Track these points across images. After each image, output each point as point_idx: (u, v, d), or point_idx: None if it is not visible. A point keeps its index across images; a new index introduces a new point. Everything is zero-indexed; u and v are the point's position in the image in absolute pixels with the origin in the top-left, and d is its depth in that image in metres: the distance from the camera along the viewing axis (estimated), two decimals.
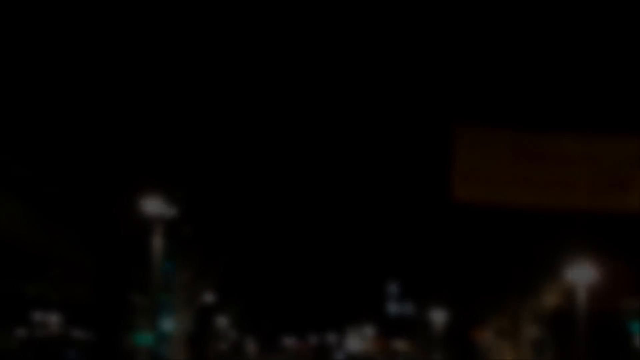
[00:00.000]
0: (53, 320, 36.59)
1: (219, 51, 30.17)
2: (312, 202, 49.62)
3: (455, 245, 54.82)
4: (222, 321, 71.22)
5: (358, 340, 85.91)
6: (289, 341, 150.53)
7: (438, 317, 61.02)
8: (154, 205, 28.86)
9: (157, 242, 29.32)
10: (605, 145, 14.07)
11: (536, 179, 13.77)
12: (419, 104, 36.94)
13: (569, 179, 13.84)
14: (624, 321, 42.19)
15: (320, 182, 47.36)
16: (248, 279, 50.70)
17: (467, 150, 13.81)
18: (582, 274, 34.23)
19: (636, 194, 14.02)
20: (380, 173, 53.60)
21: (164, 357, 44.21)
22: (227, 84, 31.25)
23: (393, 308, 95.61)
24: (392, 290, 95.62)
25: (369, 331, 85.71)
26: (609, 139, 14.23)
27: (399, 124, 42.09)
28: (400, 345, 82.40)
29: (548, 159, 13.87)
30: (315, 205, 52.82)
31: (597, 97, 25.88)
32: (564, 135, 14.26)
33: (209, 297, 51.16)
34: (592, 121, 20.04)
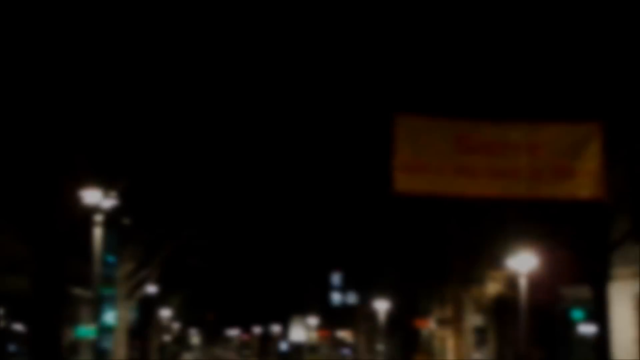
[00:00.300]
0: None
1: (159, 41, 29.80)
2: (254, 193, 49.34)
3: (397, 235, 55.00)
4: (165, 313, 70.84)
5: (302, 330, 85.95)
6: (233, 332, 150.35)
7: (381, 306, 61.24)
8: (93, 196, 28.52)
9: (97, 234, 28.98)
10: (546, 133, 14.14)
11: (479, 168, 13.78)
12: (357, 95, 36.89)
13: (511, 168, 13.90)
14: (565, 309, 42.75)
15: (263, 174, 47.14)
16: (191, 270, 50.36)
17: (408, 139, 13.76)
18: (523, 263, 34.60)
19: (577, 181, 14.13)
20: (322, 164, 53.46)
21: (107, 350, 43.81)
22: (166, 71, 30.87)
23: (336, 298, 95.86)
24: (336, 281, 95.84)
25: (313, 321, 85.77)
26: (550, 126, 14.32)
27: (338, 115, 41.98)
28: (344, 335, 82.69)
29: (490, 148, 13.89)
30: (258, 197, 52.48)
31: (537, 84, 26.06)
32: (506, 123, 14.31)
33: (151, 289, 50.80)
34: (533, 109, 20.13)
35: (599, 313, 31.10)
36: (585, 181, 14.25)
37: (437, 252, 47.73)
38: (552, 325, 42.99)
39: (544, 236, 34.66)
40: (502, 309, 48.00)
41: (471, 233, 42.76)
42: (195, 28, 31.20)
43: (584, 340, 41.70)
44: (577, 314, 42.14)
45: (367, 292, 70.16)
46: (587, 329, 41.48)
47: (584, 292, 39.42)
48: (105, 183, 28.90)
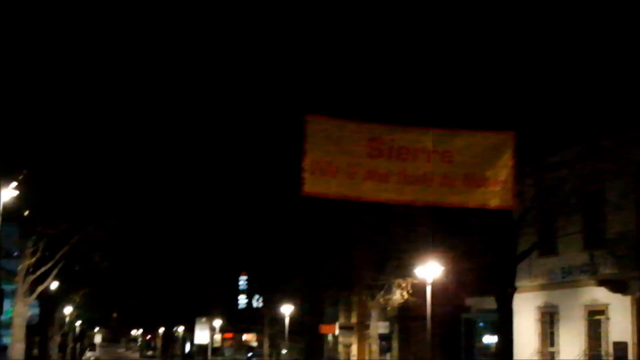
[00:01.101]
0: None
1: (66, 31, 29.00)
2: (162, 191, 48.53)
3: (304, 239, 54.68)
4: (67, 310, 69.38)
5: (207, 332, 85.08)
6: (137, 332, 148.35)
7: (286, 311, 60.94)
8: None
9: None
10: (458, 140, 14.01)
11: (390, 173, 13.56)
12: (268, 95, 36.52)
13: (423, 174, 13.72)
14: (470, 319, 43.12)
15: (171, 173, 46.43)
16: (94, 268, 49.21)
17: (319, 141, 13.45)
18: (430, 271, 34.65)
19: (488, 190, 14.03)
20: (231, 166, 52.92)
21: (7, 346, 42.58)
22: (65, 59, 30.02)
23: (243, 301, 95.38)
24: (243, 284, 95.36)
25: (218, 324, 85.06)
26: (462, 134, 14.18)
27: (247, 117, 41.57)
28: (249, 337, 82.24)
29: (402, 154, 13.67)
30: (166, 196, 51.67)
31: (452, 91, 26.13)
32: (419, 129, 14.10)
33: (52, 285, 49.56)
34: (446, 117, 20.04)
35: (503, 324, 31.29)
36: (495, 190, 14.15)
37: (344, 259, 47.53)
38: (456, 334, 43.28)
39: (451, 246, 34.79)
40: (407, 317, 48.22)
41: (378, 240, 42.71)
42: (109, 20, 30.51)
43: (487, 350, 42.13)
44: (480, 324, 42.58)
45: (273, 296, 69.81)
46: (491, 339, 41.91)
47: (488, 302, 39.83)
48: (3, 174, 27.98)
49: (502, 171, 14.14)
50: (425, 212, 34.05)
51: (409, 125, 14.24)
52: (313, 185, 13.45)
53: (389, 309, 42.67)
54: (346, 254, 46.41)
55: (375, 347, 44.47)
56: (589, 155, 30.62)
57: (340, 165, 13.54)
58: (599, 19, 23.84)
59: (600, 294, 32.20)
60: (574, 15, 24.45)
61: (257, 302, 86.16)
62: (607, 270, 31.44)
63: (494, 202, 14.34)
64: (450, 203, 14.49)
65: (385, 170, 13.70)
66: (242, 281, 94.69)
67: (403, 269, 39.38)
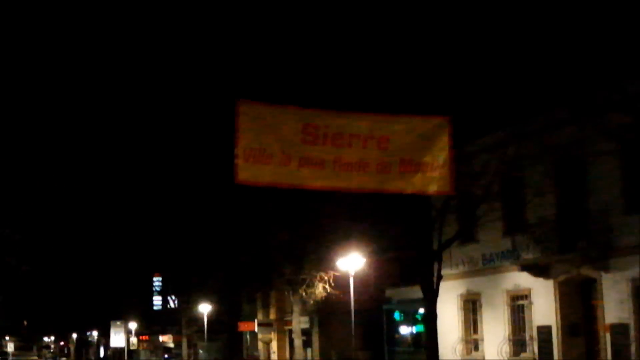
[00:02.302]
0: None
1: None
2: (73, 195, 47.27)
3: (220, 237, 53.83)
4: None
5: (122, 336, 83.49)
6: (49, 340, 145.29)
7: (204, 310, 60.08)
8: None
9: None
10: (395, 125, 13.57)
11: (325, 159, 13.04)
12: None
13: (359, 160, 13.24)
14: (389, 310, 43.01)
15: (82, 175, 45.27)
16: (8, 272, 47.64)
17: (252, 127, 12.85)
18: (352, 263, 34.42)
19: (425, 176, 13.65)
20: (140, 168, 51.83)
21: None
22: None
23: (158, 302, 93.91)
24: (157, 285, 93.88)
25: (133, 326, 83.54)
26: (399, 119, 13.75)
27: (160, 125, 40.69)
28: (166, 339, 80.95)
29: (337, 139, 13.16)
30: (79, 200, 50.38)
31: (388, 76, 25.80)
32: (354, 114, 13.61)
33: None
34: (383, 101, 19.68)
35: (429, 313, 31.19)
36: (433, 176, 13.76)
37: (261, 254, 46.96)
38: (378, 326, 43.15)
39: (373, 237, 34.59)
40: (327, 311, 47.90)
41: (297, 234, 42.32)
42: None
43: (408, 340, 42.12)
44: (397, 314, 42.55)
45: (189, 296, 68.77)
46: (409, 330, 41.94)
47: (408, 292, 39.82)
48: None
49: (440, 156, 13.75)
50: (345, 203, 33.89)
51: (343, 110, 13.73)
52: (246, 173, 12.84)
53: (311, 303, 42.22)
54: (263, 249, 45.84)
55: (298, 342, 44.02)
56: (510, 140, 30.73)
57: (274, 152, 12.97)
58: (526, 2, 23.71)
59: (522, 279, 32.36)
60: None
61: (172, 302, 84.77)
62: (529, 255, 31.59)
63: (432, 188, 13.94)
64: (387, 189, 14.05)
65: (320, 156, 13.16)
66: (157, 282, 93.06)
67: (324, 262, 39.05)
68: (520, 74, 27.22)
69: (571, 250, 29.67)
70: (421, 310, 39.46)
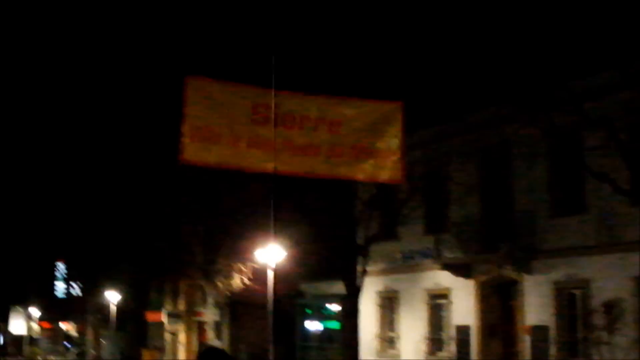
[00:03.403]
0: None
1: None
2: None
3: (129, 224, 52.59)
4: None
5: (23, 322, 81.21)
6: None
7: (112, 298, 58.71)
8: None
9: None
10: (347, 109, 13.12)
11: (277, 141, 12.44)
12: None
13: (310, 144, 12.73)
14: (302, 304, 42.59)
15: None
16: None
17: (201, 106, 12.22)
18: (271, 256, 33.72)
19: (377, 162, 13.22)
20: (42, 146, 50.17)
21: None
22: None
23: (61, 289, 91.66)
24: (60, 271, 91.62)
25: (35, 313, 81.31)
26: (351, 102, 13.27)
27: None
28: (69, 327, 79.05)
29: (289, 121, 12.61)
30: None
31: (339, 59, 25.31)
32: (306, 95, 13.07)
33: None
34: (334, 84, 19.15)
35: (351, 309, 30.85)
36: (384, 163, 13.31)
37: (172, 242, 45.93)
38: (292, 320, 42.65)
39: (295, 229, 34.03)
40: (239, 303, 47.20)
41: (210, 225, 41.55)
42: None
43: (323, 336, 41.74)
44: (315, 310, 42.13)
45: (94, 284, 67.19)
46: (325, 325, 41.57)
47: (324, 288, 39.44)
48: None
49: (392, 143, 13.33)
50: (267, 194, 33.27)
51: (295, 91, 13.17)
52: (193, 152, 12.21)
53: (227, 294, 41.44)
54: (177, 237, 44.82)
55: (212, 335, 43.25)
56: (437, 138, 30.59)
57: (222, 132, 12.36)
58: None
59: (442, 278, 32.23)
60: None
61: (76, 289, 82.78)
62: (450, 254, 31.48)
63: (383, 176, 13.52)
64: (338, 175, 13.61)
65: (270, 138, 12.60)
66: (61, 268, 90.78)
67: (241, 253, 38.32)
68: (453, 72, 27.08)
69: (494, 250, 29.64)
70: (334, 307, 39.18)
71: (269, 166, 12.71)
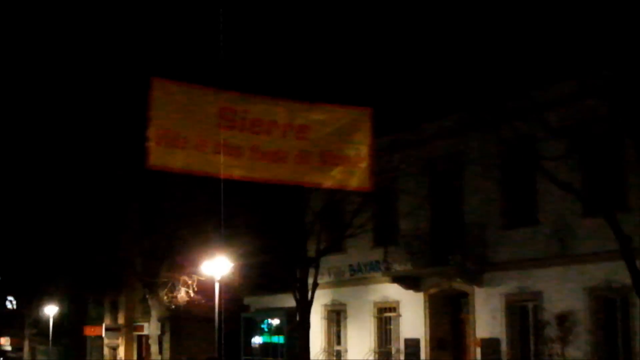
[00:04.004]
0: None
1: None
2: None
3: (67, 238, 51.45)
4: None
5: None
6: None
7: (50, 312, 57.49)
8: None
9: None
10: (315, 114, 12.76)
11: (242, 147, 12.04)
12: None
13: (277, 149, 12.32)
14: (246, 318, 42.01)
15: None
16: None
17: (167, 109, 11.76)
18: (218, 268, 33.23)
19: (345, 169, 12.87)
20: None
21: None
22: None
23: None
24: None
25: None
26: (319, 107, 12.92)
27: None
28: (4, 342, 77.30)
29: (256, 126, 12.20)
30: None
31: (308, 63, 24.89)
32: (274, 100, 12.66)
33: None
34: (303, 89, 18.77)
35: (301, 322, 30.46)
36: (352, 170, 12.96)
37: (115, 256, 45.01)
38: (236, 334, 42.01)
39: (241, 242, 33.52)
40: (181, 316, 46.47)
41: (152, 237, 40.87)
42: None
43: (264, 350, 41.16)
44: (259, 323, 41.56)
45: (31, 297, 65.78)
46: (269, 339, 41.02)
47: (268, 301, 39.01)
48: None
49: (360, 150, 12.98)
50: (212, 204, 32.79)
51: (263, 95, 12.75)
52: (159, 157, 11.70)
53: (171, 307, 40.65)
54: (117, 249, 43.93)
55: (155, 348, 42.45)
56: (388, 149, 30.34)
57: (188, 136, 11.89)
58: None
59: (391, 291, 32.01)
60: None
61: (10, 303, 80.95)
62: (399, 267, 31.24)
63: (351, 183, 13.14)
64: (305, 182, 13.20)
65: (237, 143, 12.16)
66: None
67: (186, 265, 37.66)
68: (408, 81, 26.91)
69: (444, 263, 29.48)
70: (277, 320, 38.71)
71: (236, 172, 12.27)
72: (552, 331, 25.55)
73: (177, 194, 37.35)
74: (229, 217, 32.55)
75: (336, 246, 32.85)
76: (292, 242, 30.81)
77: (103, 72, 33.16)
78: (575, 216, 25.40)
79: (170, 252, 39.58)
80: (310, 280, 30.76)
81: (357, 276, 34.02)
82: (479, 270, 28.30)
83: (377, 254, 32.69)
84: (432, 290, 30.48)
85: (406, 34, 25.61)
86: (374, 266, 32.95)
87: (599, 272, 24.47)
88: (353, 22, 24.97)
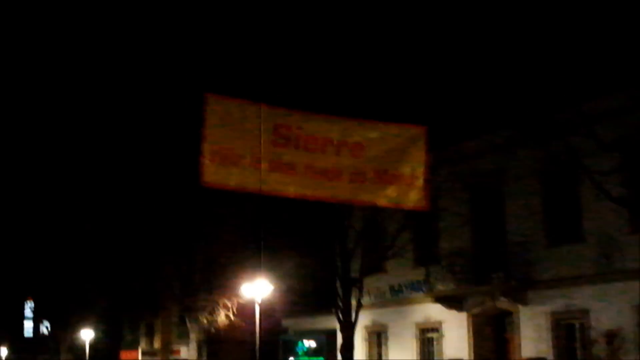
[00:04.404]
0: None
1: None
2: None
3: (104, 261, 51.46)
4: None
5: None
6: None
7: (86, 336, 57.45)
8: None
9: None
10: (370, 132, 12.64)
11: (297, 164, 11.90)
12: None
13: (332, 167, 12.17)
14: (285, 340, 41.70)
15: None
16: None
17: (221, 125, 11.63)
18: (258, 290, 33.02)
19: (401, 188, 12.70)
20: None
21: None
22: None
23: (29, 328, 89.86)
24: (28, 310, 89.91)
25: (4, 353, 79.57)
26: (374, 125, 12.77)
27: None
28: None
29: (311, 144, 12.05)
30: None
31: (360, 82, 24.76)
32: (328, 117, 12.51)
33: None
34: (356, 107, 18.63)
35: (345, 344, 30.15)
36: (407, 189, 12.78)
37: (152, 281, 44.93)
38: (274, 357, 41.72)
39: (280, 263, 33.32)
40: (218, 340, 46.27)
41: (191, 259, 40.73)
42: None
43: None
44: (301, 344, 41.24)
45: (65, 322, 65.75)
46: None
47: (307, 323, 38.72)
48: None
49: (415, 169, 12.80)
50: (251, 227, 32.69)
51: (316, 113, 12.58)
52: (213, 174, 11.57)
53: (211, 330, 40.47)
54: (155, 274, 43.79)
55: None
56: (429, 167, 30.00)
57: (243, 153, 11.76)
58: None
59: (433, 311, 31.64)
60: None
61: (45, 328, 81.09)
62: (442, 287, 30.88)
63: (406, 202, 12.95)
64: (360, 200, 13.06)
65: (291, 161, 12.02)
66: (28, 307, 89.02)
67: (226, 288, 37.45)
68: (452, 97, 26.69)
69: (487, 282, 29.09)
70: (313, 343, 38.29)
71: (291, 190, 12.13)
72: (600, 349, 25.10)
73: (215, 215, 37.19)
74: (269, 239, 32.65)
75: (378, 266, 32.55)
76: (332, 263, 30.52)
77: (156, 88, 33.02)
78: (621, 232, 25.02)
79: (209, 275, 39.42)
80: (354, 302, 30.37)
81: (398, 297, 33.69)
82: (524, 288, 27.91)
83: (418, 274, 32.37)
84: (476, 310, 30.08)
85: (450, 50, 25.39)
86: (415, 286, 32.62)
87: None
88: (400, 41, 24.80)
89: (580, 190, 26.07)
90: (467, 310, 30.34)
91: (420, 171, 12.83)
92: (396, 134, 12.86)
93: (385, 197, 12.78)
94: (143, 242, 43.64)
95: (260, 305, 33.10)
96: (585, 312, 26.07)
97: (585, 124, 21.58)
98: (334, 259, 30.60)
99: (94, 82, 37.45)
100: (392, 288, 34.03)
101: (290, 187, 12.10)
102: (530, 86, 22.55)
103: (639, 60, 19.60)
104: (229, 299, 36.75)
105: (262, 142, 11.87)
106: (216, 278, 38.62)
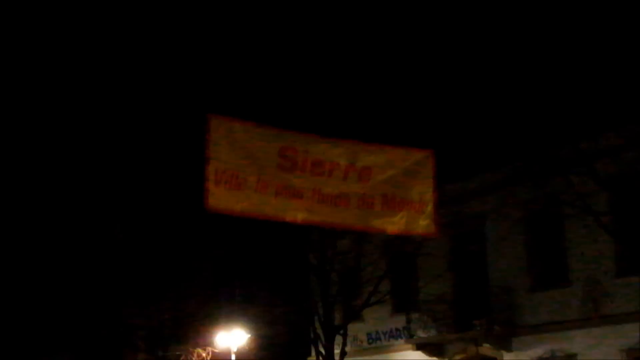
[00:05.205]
0: None
1: None
2: None
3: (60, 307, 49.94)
4: None
5: None
6: None
7: None
8: None
9: None
10: (378, 156, 12.10)
11: (304, 189, 11.34)
12: None
13: (340, 192, 11.61)
14: None
15: None
16: None
17: (225, 148, 11.10)
18: (234, 339, 32.38)
19: (409, 214, 12.15)
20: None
21: None
22: None
23: None
24: None
25: None
26: (382, 149, 12.22)
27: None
28: None
29: (318, 168, 11.52)
30: None
31: (366, 105, 24.33)
32: (336, 140, 11.98)
33: None
34: (361, 131, 18.14)
35: None
36: (417, 216, 12.26)
37: (119, 332, 43.76)
38: None
39: (257, 313, 32.66)
40: None
41: (156, 309, 39.66)
42: None
43: None
44: None
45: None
46: None
47: None
48: None
49: (424, 194, 12.29)
50: (224, 276, 32.11)
51: (324, 135, 12.06)
52: (219, 199, 10.98)
53: None
54: (121, 324, 42.61)
55: None
56: None
57: (248, 177, 11.19)
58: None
59: (413, 359, 30.91)
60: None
61: None
62: (423, 334, 30.25)
63: (416, 229, 12.44)
64: (368, 227, 12.46)
65: (298, 185, 11.48)
66: None
67: (196, 338, 36.51)
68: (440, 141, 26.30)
69: (470, 328, 28.52)
70: None
71: (299, 216, 11.57)
72: None
73: (184, 264, 36.38)
74: (243, 286, 31.88)
75: (356, 313, 31.88)
76: (310, 309, 29.81)
77: (158, 111, 32.16)
78: (608, 276, 24.76)
79: (179, 324, 38.42)
80: (337, 350, 29.62)
81: (376, 345, 32.97)
82: (508, 334, 27.42)
83: (398, 321, 31.70)
84: (458, 357, 29.48)
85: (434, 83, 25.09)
86: (395, 333, 31.95)
87: (635, 332, 23.62)
88: (395, 72, 24.50)
89: (565, 233, 25.81)
90: (449, 358, 29.73)
91: (428, 196, 12.34)
92: (403, 157, 12.38)
93: (394, 224, 12.27)
94: (107, 288, 42.52)
95: (236, 354, 32.42)
96: (572, 358, 25.62)
97: (584, 162, 21.27)
98: (313, 305, 29.86)
99: (90, 100, 36.37)
100: (369, 335, 33.28)
101: (297, 213, 11.57)
102: (520, 127, 22.30)
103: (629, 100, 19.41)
104: (204, 348, 35.80)
105: (267, 165, 11.36)
106: (185, 327, 37.66)
